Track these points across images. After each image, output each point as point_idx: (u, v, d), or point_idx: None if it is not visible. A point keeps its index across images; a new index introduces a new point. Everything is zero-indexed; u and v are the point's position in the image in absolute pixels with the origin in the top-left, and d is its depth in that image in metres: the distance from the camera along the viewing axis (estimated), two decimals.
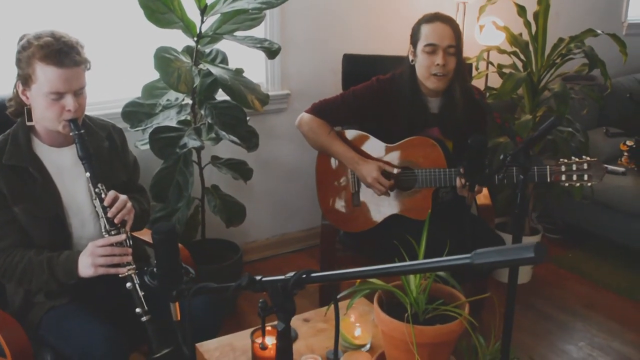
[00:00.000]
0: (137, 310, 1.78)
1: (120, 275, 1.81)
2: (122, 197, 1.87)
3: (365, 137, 2.58)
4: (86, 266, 1.80)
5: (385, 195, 2.50)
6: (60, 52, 1.74)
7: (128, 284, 1.80)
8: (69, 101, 1.79)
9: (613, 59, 3.33)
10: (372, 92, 2.55)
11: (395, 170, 2.49)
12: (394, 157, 2.52)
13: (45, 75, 1.75)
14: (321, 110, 2.60)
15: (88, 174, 1.84)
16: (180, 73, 2.45)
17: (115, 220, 1.83)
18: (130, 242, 1.88)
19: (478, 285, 2.76)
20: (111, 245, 1.81)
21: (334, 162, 2.64)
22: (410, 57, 2.51)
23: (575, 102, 3.31)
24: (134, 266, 1.82)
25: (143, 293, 1.80)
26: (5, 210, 1.84)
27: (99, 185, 1.84)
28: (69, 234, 1.92)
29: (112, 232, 1.83)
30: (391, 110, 2.51)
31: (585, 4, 4.56)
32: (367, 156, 2.55)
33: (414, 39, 2.48)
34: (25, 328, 1.84)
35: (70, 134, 1.82)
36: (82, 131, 1.83)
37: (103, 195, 1.83)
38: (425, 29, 2.43)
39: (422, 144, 2.48)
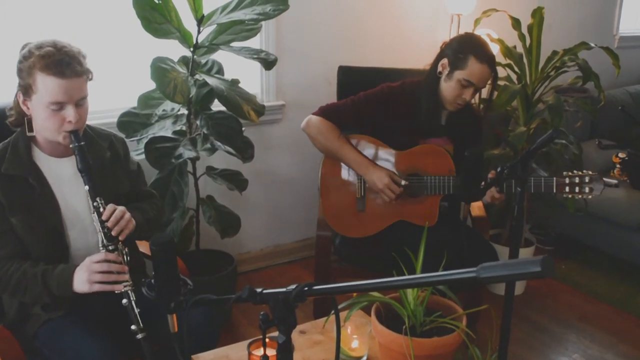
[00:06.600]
0: (133, 327, 1.74)
1: (116, 292, 1.77)
2: (120, 208, 1.83)
3: (373, 141, 2.58)
4: (82, 282, 1.76)
5: (393, 201, 2.51)
6: (62, 62, 1.71)
7: (124, 301, 1.76)
8: (69, 112, 1.75)
9: (605, 71, 3.36)
10: (382, 98, 2.56)
11: (403, 182, 2.49)
12: (402, 163, 2.54)
13: (46, 85, 1.71)
14: (330, 113, 2.59)
15: (87, 188, 1.81)
16: (177, 83, 2.45)
17: (113, 233, 1.80)
18: (128, 257, 1.84)
19: (473, 296, 2.76)
20: (108, 261, 1.77)
21: (340, 166, 2.62)
22: (440, 69, 2.49)
23: (568, 114, 3.33)
24: (131, 282, 1.78)
25: (139, 310, 1.76)
26: (3, 220, 1.80)
27: (98, 199, 1.80)
28: (67, 245, 1.89)
29: (110, 247, 1.80)
30: (399, 117, 2.53)
31: (578, 17, 4.61)
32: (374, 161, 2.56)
33: (456, 61, 2.43)
34: (21, 340, 1.82)
35: (71, 146, 1.79)
36: (82, 143, 1.79)
37: (101, 210, 1.80)
38: (473, 65, 2.39)
39: (432, 151, 2.51)
